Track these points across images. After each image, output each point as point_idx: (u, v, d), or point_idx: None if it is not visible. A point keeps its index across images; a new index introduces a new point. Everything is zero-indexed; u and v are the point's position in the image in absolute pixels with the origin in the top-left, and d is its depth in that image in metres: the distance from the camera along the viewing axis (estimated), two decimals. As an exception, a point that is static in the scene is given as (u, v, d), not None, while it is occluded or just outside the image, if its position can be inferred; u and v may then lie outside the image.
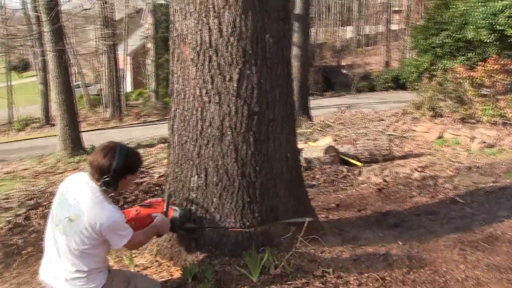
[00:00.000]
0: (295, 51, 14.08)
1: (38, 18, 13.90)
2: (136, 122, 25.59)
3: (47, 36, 12.54)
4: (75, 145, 13.08)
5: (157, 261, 3.86)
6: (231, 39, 3.44)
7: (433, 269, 3.42)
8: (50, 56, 12.70)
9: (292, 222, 3.69)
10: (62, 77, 12.70)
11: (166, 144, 12.48)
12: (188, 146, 3.66)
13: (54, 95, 13.32)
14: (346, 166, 7.35)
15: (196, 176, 3.64)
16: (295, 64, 13.90)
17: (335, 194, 6.14)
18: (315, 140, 9.57)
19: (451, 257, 3.64)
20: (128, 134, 17.53)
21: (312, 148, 7.97)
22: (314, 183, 6.78)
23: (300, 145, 8.53)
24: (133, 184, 3.06)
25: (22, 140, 20.40)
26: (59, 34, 12.58)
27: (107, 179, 2.80)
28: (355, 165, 7.55)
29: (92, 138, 16.18)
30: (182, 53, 3.63)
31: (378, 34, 44.92)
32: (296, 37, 14.12)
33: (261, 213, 3.61)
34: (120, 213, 2.90)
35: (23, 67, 51.72)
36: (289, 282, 3.22)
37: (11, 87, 28.78)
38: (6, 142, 19.64)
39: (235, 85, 3.47)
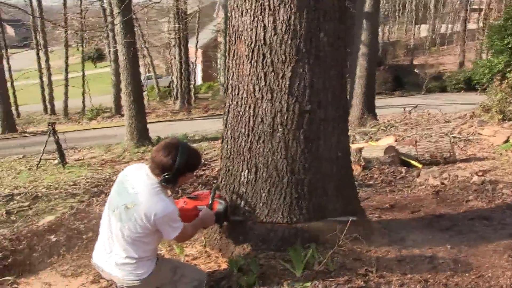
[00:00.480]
0: (362, 49, 13.93)
1: (111, 10, 14.41)
2: (204, 115, 26.10)
3: (117, 28, 13.05)
4: (141, 135, 13.57)
5: (206, 252, 3.99)
6: (285, 37, 3.50)
7: (478, 274, 3.35)
8: (119, 48, 13.24)
9: (339, 221, 3.71)
10: (130, 69, 13.20)
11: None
12: (240, 141, 3.76)
13: (123, 86, 13.87)
14: (405, 167, 7.22)
15: (246, 171, 3.74)
16: (362, 62, 13.75)
17: (391, 195, 6.07)
18: (376, 140, 9.46)
19: (499, 263, 3.54)
20: (195, 127, 17.94)
21: (372, 147, 7.89)
22: (372, 182, 6.73)
23: (360, 144, 8.48)
24: (193, 177, 3.21)
25: (92, 129, 21.37)
26: (129, 27, 13.06)
27: (167, 176, 2.96)
28: (414, 166, 7.40)
29: (159, 129, 16.72)
30: (237, 49, 3.73)
31: (454, 33, 43.36)
32: (364, 35, 13.94)
33: (309, 210, 3.66)
34: (175, 206, 3.05)
35: (98, 57, 53.95)
36: (331, 279, 3.26)
37: (85, 77, 30.11)
38: (78, 130, 20.64)
39: (288, 82, 3.53)
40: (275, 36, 3.52)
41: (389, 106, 20.03)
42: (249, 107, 3.67)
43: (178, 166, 2.95)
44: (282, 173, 3.61)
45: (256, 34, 3.57)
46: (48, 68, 29.59)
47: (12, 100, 24.82)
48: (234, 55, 3.78)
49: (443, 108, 17.55)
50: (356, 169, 7.13)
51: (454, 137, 9.78)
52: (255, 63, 3.61)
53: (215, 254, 3.93)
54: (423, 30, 45.34)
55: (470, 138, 9.94)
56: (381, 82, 29.84)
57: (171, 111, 28.11)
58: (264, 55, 3.56)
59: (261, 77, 3.59)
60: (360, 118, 13.88)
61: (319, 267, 3.38)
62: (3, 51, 24.34)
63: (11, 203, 7.30)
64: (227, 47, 3.92)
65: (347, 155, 3.97)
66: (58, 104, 29.98)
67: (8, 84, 24.35)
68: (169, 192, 3.22)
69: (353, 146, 7.99)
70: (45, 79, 30.08)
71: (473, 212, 5.02)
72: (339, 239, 3.66)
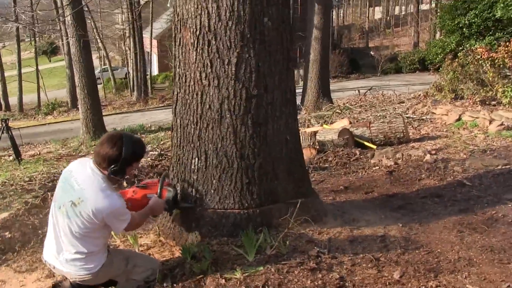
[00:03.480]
0: (315, 33, 13.99)
1: (62, 2, 14.04)
2: (161, 105, 25.86)
3: (68, 20, 12.75)
4: (97, 128, 13.36)
5: (160, 241, 3.98)
6: (230, 23, 3.49)
7: (428, 250, 3.45)
8: (71, 41, 12.94)
9: (290, 204, 3.75)
10: (83, 61, 12.94)
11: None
12: (189, 129, 3.75)
13: (76, 79, 13.59)
14: (359, 149, 7.34)
15: (196, 159, 3.73)
16: (315, 46, 13.83)
17: (346, 177, 6.17)
18: (331, 123, 9.58)
19: (448, 238, 3.66)
20: (151, 117, 17.77)
21: (326, 130, 7.98)
22: (326, 165, 6.82)
23: (315, 127, 8.56)
24: (138, 166, 3.20)
25: (48, 123, 20.89)
26: (80, 18, 12.76)
27: (115, 168, 2.94)
28: (369, 147, 7.54)
29: (116, 122, 16.50)
30: (183, 37, 3.70)
31: (407, 15, 44.03)
32: (316, 19, 13.99)
33: (260, 194, 3.69)
34: (122, 200, 3.04)
35: (52, 51, 52.54)
36: (283, 262, 3.29)
37: (39, 71, 29.34)
38: (34, 126, 20.15)
39: (234, 68, 3.52)
40: (220, 23, 3.50)
41: (345, 89, 20.30)
42: (197, 94, 3.66)
43: (124, 156, 2.94)
44: (232, 159, 3.62)
45: (200, 22, 3.55)
46: (0, 65, 28.70)
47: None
48: (180, 43, 3.75)
49: (398, 89, 17.86)
50: (311, 152, 7.22)
51: (408, 117, 10.00)
52: (200, 51, 3.58)
53: (169, 242, 3.93)
54: (378, 13, 45.90)
55: (424, 117, 10.18)
56: (337, 66, 30.14)
57: (128, 102, 27.75)
58: (209, 42, 3.54)
59: (207, 64, 3.57)
60: (315, 102, 14.00)
61: (271, 251, 3.41)
62: None
63: None
64: (173, 35, 3.88)
65: (296, 138, 4.00)
66: (13, 100, 29.18)
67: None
68: (124, 184, 3.20)
69: (308, 130, 8.07)
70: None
71: (425, 190, 5.16)
72: (290, 222, 3.71)
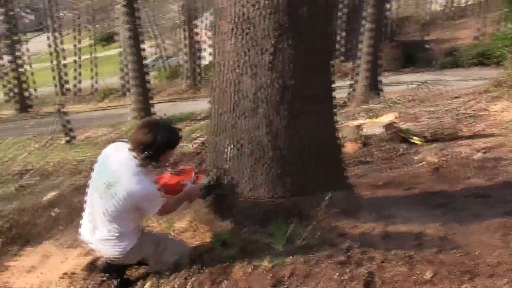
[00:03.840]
0: (367, 24, 13.71)
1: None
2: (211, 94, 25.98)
3: (120, 8, 13.00)
4: (146, 114, 13.62)
5: (194, 226, 4.02)
6: (266, 12, 3.46)
7: (465, 251, 3.31)
8: (122, 29, 13.21)
9: (322, 196, 3.70)
10: (134, 49, 13.19)
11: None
12: (224, 118, 3.76)
13: (128, 66, 13.90)
14: (405, 144, 7.15)
15: (231, 147, 3.74)
16: (366, 38, 13.56)
17: (388, 172, 6.02)
18: (377, 117, 9.38)
19: (490, 241, 3.50)
20: (200, 106, 17.75)
21: (372, 124, 7.81)
22: (369, 160, 6.68)
23: (360, 121, 8.41)
24: (174, 155, 3.26)
25: (101, 109, 21.52)
26: (131, 6, 12.98)
27: (150, 152, 2.99)
28: (415, 143, 7.33)
29: (165, 109, 16.80)
30: (220, 26, 3.70)
31: (470, 6, 42.12)
32: (369, 10, 13.69)
33: (292, 185, 3.66)
34: (154, 185, 3.11)
35: (110, 39, 53.91)
36: (312, 254, 3.26)
37: (96, 59, 30.24)
38: (87, 111, 20.82)
39: (269, 58, 3.50)
40: (256, 11, 3.48)
41: (398, 83, 19.76)
42: (233, 83, 3.66)
43: (159, 142, 2.99)
44: (265, 149, 3.61)
45: (238, 10, 3.54)
46: (57, 52, 29.78)
47: (29, 82, 25.26)
48: (218, 32, 3.76)
49: (455, 84, 17.32)
50: (355, 146, 7.10)
51: (460, 114, 9.64)
52: (237, 39, 3.58)
53: (203, 228, 3.96)
54: (436, 4, 44.24)
55: (478, 114, 9.79)
56: (391, 59, 29.35)
57: (178, 90, 28.11)
58: (246, 30, 3.53)
59: (243, 53, 3.56)
60: (364, 95, 13.74)
61: (301, 242, 3.38)
62: (17, 36, 24.50)
63: (22, 180, 7.49)
64: (213, 23, 3.89)
65: (332, 131, 3.93)
66: (71, 86, 30.26)
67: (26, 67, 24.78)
68: (151, 169, 3.25)
69: (353, 123, 7.93)
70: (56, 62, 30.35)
71: (470, 189, 4.96)
72: (322, 215, 3.66)
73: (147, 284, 3.25)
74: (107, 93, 27.38)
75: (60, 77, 30.31)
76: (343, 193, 3.94)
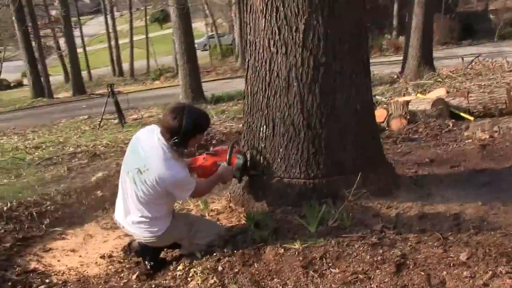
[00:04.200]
0: (420, -4, 13.21)
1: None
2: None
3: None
4: (195, 94, 13.77)
5: (230, 207, 4.06)
6: (298, -12, 3.39)
7: (505, 233, 3.16)
8: (171, 8, 13.31)
9: (358, 176, 3.63)
10: (182, 28, 13.28)
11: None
12: (258, 97, 3.74)
13: (176, 45, 14.03)
14: (453, 120, 6.90)
15: (264, 126, 3.73)
16: (418, 11, 13.07)
17: (434, 149, 5.85)
18: (427, 92, 9.09)
19: (533, 222, 3.34)
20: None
21: (420, 100, 7.59)
22: (416, 136, 6.51)
23: (407, 97, 8.18)
24: (204, 138, 3.25)
25: (154, 89, 21.88)
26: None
27: (176, 140, 3.02)
28: (465, 119, 7.07)
29: (217, 87, 16.88)
30: (253, 4, 3.66)
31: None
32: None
33: (326, 165, 3.61)
34: (185, 171, 3.13)
35: (164, 19, 54.49)
36: (345, 235, 3.22)
37: (150, 39, 30.67)
38: (141, 91, 21.23)
39: (301, 36, 3.44)
40: (288, -12, 3.41)
41: (453, 57, 19.01)
42: (265, 62, 3.63)
43: (185, 128, 2.99)
44: (299, 128, 3.57)
45: (269, -13, 3.48)
46: (108, 33, 30.43)
47: (84, 64, 26.02)
48: (250, 10, 3.72)
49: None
50: (401, 122, 6.93)
51: (515, 87, 9.18)
52: (269, 17, 3.53)
53: (238, 209, 3.99)
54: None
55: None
56: (447, 32, 28.23)
57: (232, 68, 28.14)
58: (277, 8, 3.48)
59: (275, 31, 3.51)
60: (416, 71, 13.29)
61: (333, 222, 3.35)
62: (72, 18, 25.19)
63: (73, 161, 7.76)
64: (245, 2, 3.85)
65: (369, 108, 3.83)
66: (125, 66, 30.90)
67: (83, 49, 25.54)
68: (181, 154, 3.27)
69: (400, 99, 7.73)
70: (113, 42, 31.01)
71: (519, 168, 4.75)
72: (357, 195, 3.61)
73: (180, 267, 3.32)
74: (160, 73, 27.79)
75: (114, 58, 31.01)
76: (381, 172, 3.86)
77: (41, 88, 20.75)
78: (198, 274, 3.15)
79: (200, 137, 3.20)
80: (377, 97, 9.66)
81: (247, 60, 3.85)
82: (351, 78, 3.57)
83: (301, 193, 3.62)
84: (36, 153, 9.10)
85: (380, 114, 7.81)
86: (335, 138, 3.60)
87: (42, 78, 20.76)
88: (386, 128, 7.08)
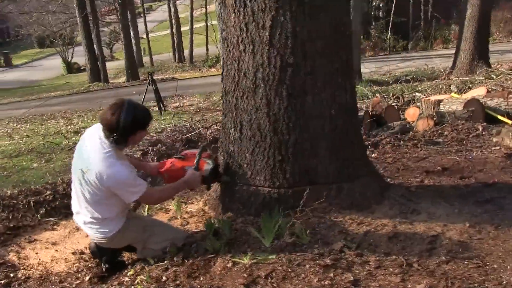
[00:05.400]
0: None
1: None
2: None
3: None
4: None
5: (203, 210, 3.88)
6: (264, -20, 3.11)
7: (480, 263, 2.78)
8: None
9: (331, 187, 3.34)
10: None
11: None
12: (229, 97, 3.53)
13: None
14: (484, 124, 6.29)
15: (233, 129, 3.51)
16: (473, 1, 12.15)
17: (454, 156, 5.36)
18: (466, 91, 8.43)
19: (521, 253, 2.92)
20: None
21: (453, 100, 7.00)
22: (440, 140, 6.01)
23: (440, 96, 7.62)
24: (146, 134, 3.06)
25: (205, 76, 21.95)
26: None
27: (115, 137, 2.86)
28: (502, 122, 6.46)
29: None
30: (225, -2, 3.43)
31: None
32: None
33: (294, 174, 3.34)
34: (128, 170, 2.95)
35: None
36: (300, 253, 2.96)
37: (212, 25, 30.74)
38: (192, 78, 21.36)
39: (268, 33, 3.17)
40: (254, -19, 3.14)
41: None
42: (235, 60, 3.39)
43: (124, 124, 2.83)
44: (265, 133, 3.32)
45: (238, -20, 3.23)
46: (170, 19, 30.82)
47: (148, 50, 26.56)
48: (224, 4, 3.49)
49: None
50: (428, 124, 6.44)
51: None
52: (238, 13, 3.29)
53: (211, 213, 3.81)
54: None
55: None
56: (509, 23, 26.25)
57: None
58: (245, 3, 3.22)
59: (243, 28, 3.27)
60: (468, 65, 12.36)
61: (290, 238, 3.08)
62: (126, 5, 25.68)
63: None
64: (224, -6, 3.62)
65: (349, 112, 3.47)
66: (186, 53, 31.24)
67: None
68: (125, 152, 3.13)
69: (432, 98, 7.19)
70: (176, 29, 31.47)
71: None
72: (327, 207, 3.32)
73: (130, 272, 3.19)
74: (217, 60, 27.84)
75: (175, 44, 31.44)
76: (360, 183, 3.53)
77: (98, 73, 21.36)
78: (142, 283, 3.00)
79: (141, 134, 3.02)
80: (416, 94, 9.10)
81: (222, 58, 3.63)
82: (324, 79, 3.26)
83: (265, 202, 3.37)
84: (73, 138, 9.31)
85: (412, 113, 7.34)
86: (304, 145, 3.31)
87: (98, 64, 21.34)
88: (414, 129, 6.60)
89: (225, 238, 3.19)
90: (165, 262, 3.14)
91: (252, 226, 3.29)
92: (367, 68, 15.09)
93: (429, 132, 6.23)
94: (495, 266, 2.76)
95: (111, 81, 22.25)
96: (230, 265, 2.96)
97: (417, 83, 11.15)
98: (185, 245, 3.26)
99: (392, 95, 9.13)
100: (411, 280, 2.66)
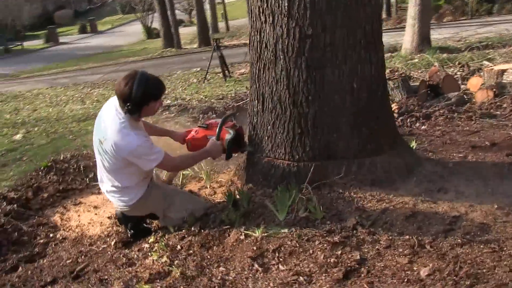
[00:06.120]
0: None
1: None
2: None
3: None
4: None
5: (232, 181, 3.91)
6: (284, -51, 3.02)
7: (497, 247, 2.61)
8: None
9: (353, 161, 3.25)
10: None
11: (393, 54, 11.71)
12: (253, 68, 3.51)
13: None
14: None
15: (256, 101, 3.49)
16: None
17: (509, 130, 5.03)
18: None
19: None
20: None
21: (521, 70, 6.51)
22: (497, 113, 5.64)
23: (504, 65, 7.10)
24: (160, 105, 3.11)
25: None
26: None
27: (129, 107, 2.94)
28: None
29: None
30: (249, -33, 3.36)
31: None
32: None
33: (314, 148, 3.28)
34: (143, 139, 3.03)
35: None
36: (310, 228, 2.94)
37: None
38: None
39: (286, 4, 3.08)
40: (274, -51, 3.05)
41: None
42: (257, 31, 3.35)
43: (135, 94, 2.89)
44: (285, 105, 3.27)
45: None
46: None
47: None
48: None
49: None
50: (487, 95, 6.05)
51: None
52: (259, -17, 3.21)
53: (238, 183, 3.83)
54: None
55: None
56: None
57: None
58: (267, -28, 3.14)
59: (264, -1, 3.19)
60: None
61: (304, 212, 3.06)
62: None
63: (164, 114, 8.04)
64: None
65: (373, 86, 3.33)
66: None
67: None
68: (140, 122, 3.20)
69: (496, 67, 6.73)
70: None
71: None
72: (349, 182, 3.26)
73: (151, 239, 3.31)
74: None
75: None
76: (387, 158, 3.41)
77: (171, 39, 21.73)
78: (157, 250, 3.12)
79: (154, 104, 3.06)
80: (484, 62, 8.54)
81: (248, 30, 3.58)
82: (345, 51, 3.14)
83: (285, 175, 3.35)
84: (138, 104, 9.56)
85: (475, 83, 6.90)
86: (324, 118, 3.23)
87: (172, 29, 21.67)
88: (472, 101, 6.24)
89: (243, 210, 3.22)
90: (183, 231, 3.24)
91: (269, 199, 3.29)
92: (441, 34, 14.26)
93: (486, 104, 5.86)
94: (509, 251, 2.60)
95: (184, 47, 22.58)
96: (242, 237, 3.00)
97: (491, 50, 10.44)
98: (206, 215, 3.32)
99: (458, 64, 8.62)
100: (418, 262, 2.58)
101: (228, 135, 3.40)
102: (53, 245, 3.74)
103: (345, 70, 3.16)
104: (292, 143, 3.29)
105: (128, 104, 2.92)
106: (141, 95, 2.90)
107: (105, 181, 3.25)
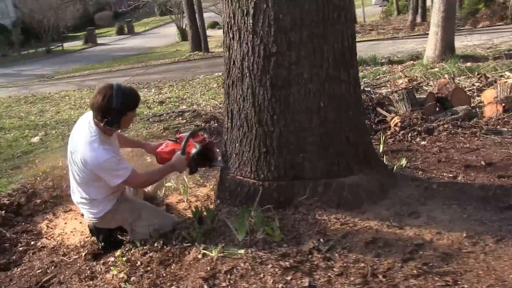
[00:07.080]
0: None
1: None
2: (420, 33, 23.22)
3: None
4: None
5: (208, 195, 3.89)
6: (247, -34, 2.98)
7: (453, 280, 2.51)
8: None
9: (319, 182, 3.18)
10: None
11: (415, 62, 11.43)
12: (225, 85, 3.48)
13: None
14: None
15: (226, 117, 3.46)
16: None
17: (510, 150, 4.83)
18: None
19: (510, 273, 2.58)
20: (400, 46, 16.42)
21: (535, 83, 6.23)
22: (504, 129, 5.42)
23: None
24: (135, 115, 3.14)
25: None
26: None
27: (109, 118, 2.97)
28: None
29: (362, 49, 15.87)
30: (222, -17, 3.33)
31: None
32: None
33: (278, 167, 3.22)
34: (110, 154, 3.05)
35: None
36: (266, 251, 2.89)
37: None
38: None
39: (251, 20, 3.04)
40: (239, -36, 3.02)
41: None
42: (227, 47, 3.32)
43: (116, 106, 2.93)
44: (251, 123, 3.23)
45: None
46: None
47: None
48: (222, -10, 3.40)
49: None
50: (497, 109, 5.83)
51: None
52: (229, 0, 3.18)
53: (212, 198, 3.81)
54: None
55: None
56: None
57: (395, 28, 26.06)
58: (232, -12, 3.11)
59: (231, 15, 3.17)
60: None
61: (262, 234, 3.00)
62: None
63: (177, 119, 8.09)
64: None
65: (342, 104, 3.24)
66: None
67: None
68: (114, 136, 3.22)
69: (510, 81, 6.47)
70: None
71: None
72: (314, 204, 3.18)
73: (118, 253, 3.32)
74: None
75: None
76: (356, 180, 3.32)
77: (199, 42, 21.82)
78: (119, 265, 3.13)
79: (131, 114, 3.10)
80: (506, 73, 8.22)
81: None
82: (311, 70, 3.07)
83: (250, 194, 3.30)
84: (155, 108, 9.65)
85: (490, 96, 6.66)
86: (290, 138, 3.16)
87: (200, 32, 21.76)
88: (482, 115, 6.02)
89: (205, 228, 3.19)
90: (147, 246, 3.24)
91: (233, 218, 3.25)
92: (472, 41, 13.83)
93: (494, 119, 5.64)
94: (465, 286, 2.47)
95: (212, 50, 22.66)
96: (200, 256, 2.98)
97: (520, 60, 10.02)
98: (173, 231, 3.32)
99: (478, 74, 8.34)
100: (366, 292, 2.49)
101: (194, 149, 3.37)
102: (31, 254, 3.79)
103: (311, 88, 3.08)
104: (258, 162, 3.24)
105: (107, 116, 2.95)
106: (120, 106, 2.94)
107: (76, 192, 3.31)
